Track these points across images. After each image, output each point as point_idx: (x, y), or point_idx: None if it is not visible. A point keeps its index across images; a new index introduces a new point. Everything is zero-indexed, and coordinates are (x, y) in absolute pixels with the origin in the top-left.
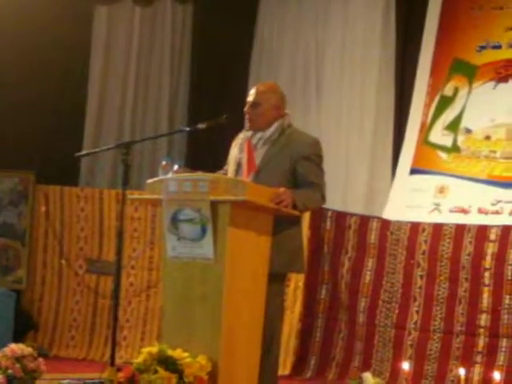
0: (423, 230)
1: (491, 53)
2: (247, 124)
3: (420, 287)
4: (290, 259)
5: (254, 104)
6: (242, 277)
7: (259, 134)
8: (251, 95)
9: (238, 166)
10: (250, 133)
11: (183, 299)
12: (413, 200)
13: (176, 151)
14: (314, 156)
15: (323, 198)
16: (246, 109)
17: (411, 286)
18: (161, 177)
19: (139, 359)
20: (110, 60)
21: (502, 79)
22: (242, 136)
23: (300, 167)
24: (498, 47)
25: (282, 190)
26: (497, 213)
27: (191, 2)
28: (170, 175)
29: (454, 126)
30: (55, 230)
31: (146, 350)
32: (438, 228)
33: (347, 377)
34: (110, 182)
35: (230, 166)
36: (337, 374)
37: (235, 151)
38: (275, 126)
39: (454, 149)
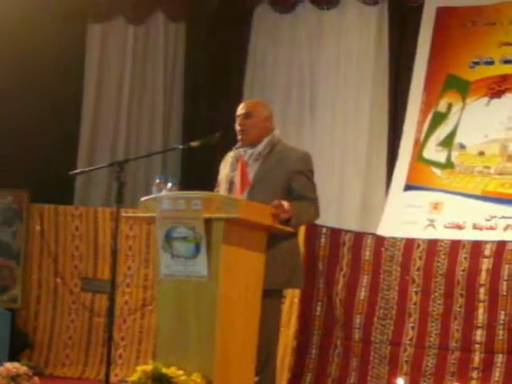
0: (418, 246)
1: (484, 68)
2: (240, 137)
3: (415, 303)
4: (289, 275)
5: (247, 114)
6: (236, 294)
7: (250, 150)
8: (241, 109)
9: (231, 184)
10: (241, 150)
11: (177, 317)
12: (407, 216)
13: (170, 169)
14: (307, 171)
15: (317, 213)
16: (237, 122)
17: (406, 302)
18: (154, 195)
19: (134, 377)
20: (103, 78)
21: (495, 95)
22: (232, 154)
23: (294, 182)
24: (491, 63)
25: (286, 203)
26: (491, 228)
27: (184, 20)
28: (163, 193)
29: (447, 142)
30: (50, 249)
31: (140, 367)
32: (432, 244)
33: None
34: (105, 201)
35: (222, 185)
36: None
37: (226, 170)
38: (265, 141)
39: (448, 165)
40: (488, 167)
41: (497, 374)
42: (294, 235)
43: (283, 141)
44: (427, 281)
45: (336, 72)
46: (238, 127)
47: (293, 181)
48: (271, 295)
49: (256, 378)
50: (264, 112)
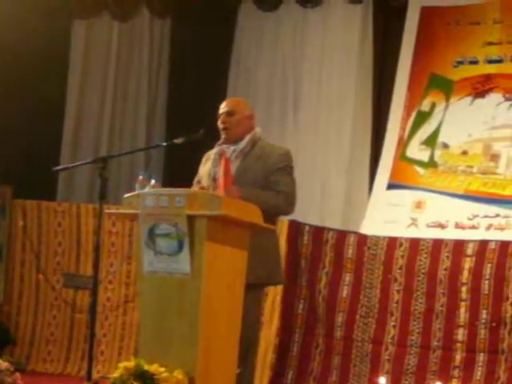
0: (400, 245)
1: (468, 68)
2: (223, 135)
3: (397, 302)
4: (270, 270)
5: (229, 112)
6: (218, 291)
7: (232, 147)
8: (224, 107)
9: (214, 180)
10: (224, 147)
11: (160, 314)
12: (390, 215)
13: (153, 166)
14: (287, 167)
15: (287, 204)
16: (220, 120)
17: (388, 300)
18: (137, 191)
19: (116, 374)
20: (87, 74)
21: (479, 94)
22: (215, 151)
23: (273, 176)
24: (475, 62)
25: (232, 187)
26: (473, 228)
27: (169, 17)
28: (146, 190)
29: (431, 141)
30: (32, 245)
31: (122, 364)
32: (415, 243)
33: None
34: (88, 197)
35: (204, 182)
36: None
37: (208, 166)
38: (247, 138)
39: (431, 164)
40: (471, 166)
41: (478, 372)
42: (273, 231)
43: (264, 139)
44: (409, 279)
45: (320, 70)
46: (221, 125)
47: (272, 176)
48: (252, 289)
49: (237, 370)
50: (246, 110)
